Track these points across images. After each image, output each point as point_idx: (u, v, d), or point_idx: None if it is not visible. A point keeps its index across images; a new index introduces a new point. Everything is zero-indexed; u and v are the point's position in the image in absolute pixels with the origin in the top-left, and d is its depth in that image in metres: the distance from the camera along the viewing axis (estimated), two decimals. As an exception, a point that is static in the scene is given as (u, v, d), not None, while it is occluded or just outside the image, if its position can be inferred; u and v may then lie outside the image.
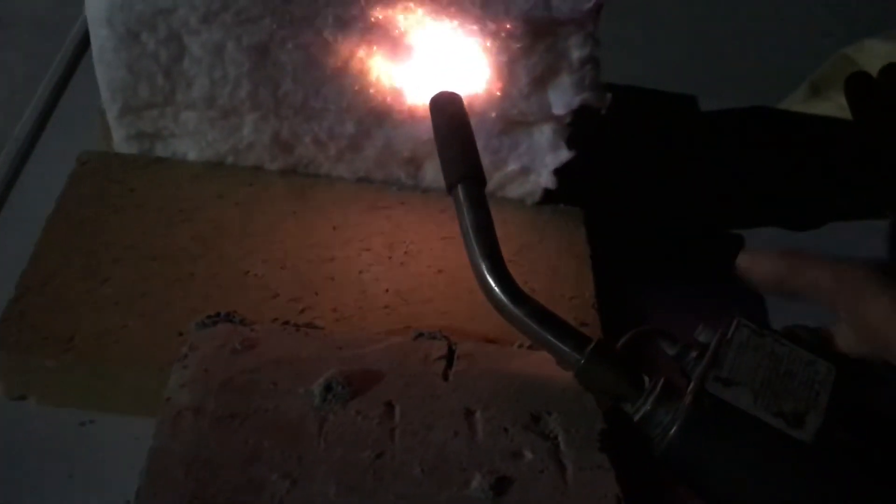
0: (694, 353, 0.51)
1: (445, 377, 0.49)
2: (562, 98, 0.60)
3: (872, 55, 1.16)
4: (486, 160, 0.62)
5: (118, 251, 0.58)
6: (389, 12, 0.56)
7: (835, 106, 1.16)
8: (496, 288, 0.50)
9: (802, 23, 1.08)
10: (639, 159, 0.78)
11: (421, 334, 0.52)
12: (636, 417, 0.48)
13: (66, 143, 0.70)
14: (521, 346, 0.53)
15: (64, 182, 0.63)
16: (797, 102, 1.19)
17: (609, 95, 0.60)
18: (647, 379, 0.48)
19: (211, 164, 0.65)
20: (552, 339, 0.49)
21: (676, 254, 0.71)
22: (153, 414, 0.51)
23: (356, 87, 0.60)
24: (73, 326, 0.53)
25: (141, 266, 0.58)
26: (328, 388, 0.46)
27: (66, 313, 0.54)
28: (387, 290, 0.59)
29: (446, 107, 0.57)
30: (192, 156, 0.65)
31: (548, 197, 0.66)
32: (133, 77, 0.59)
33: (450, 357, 0.50)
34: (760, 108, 0.91)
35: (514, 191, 0.66)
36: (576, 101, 0.60)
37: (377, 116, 0.62)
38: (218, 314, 0.51)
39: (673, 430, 0.46)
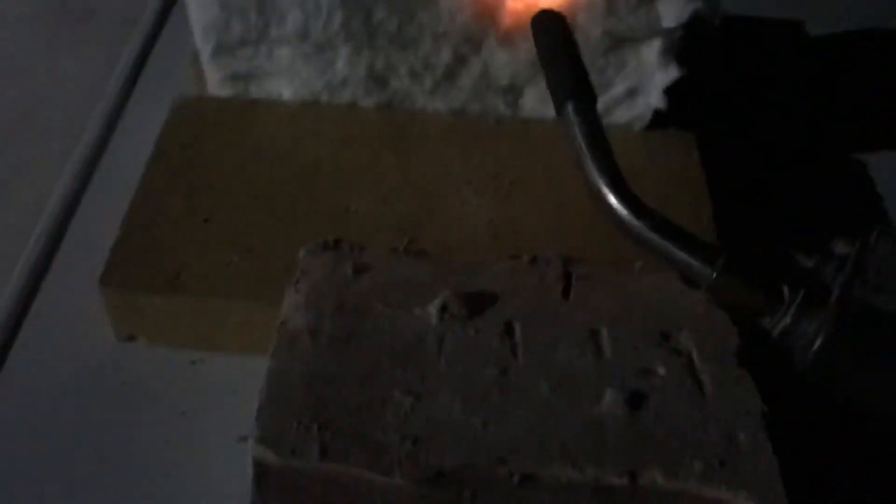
0: (834, 264, 0.47)
1: (566, 297, 0.46)
2: (672, 9, 0.56)
3: None
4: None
5: (218, 191, 0.57)
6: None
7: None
8: (616, 202, 0.47)
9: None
10: (751, 84, 0.73)
11: (535, 259, 0.50)
12: (776, 331, 0.44)
13: (161, 90, 0.69)
14: (640, 267, 0.50)
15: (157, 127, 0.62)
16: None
17: (721, 5, 0.56)
18: (785, 289, 0.45)
19: (306, 102, 0.63)
20: (680, 251, 0.46)
21: (793, 177, 0.67)
22: (261, 351, 0.51)
23: (451, 11, 0.58)
24: (178, 264, 0.53)
25: (242, 205, 0.57)
26: (444, 308, 0.44)
27: (171, 252, 0.53)
28: (491, 221, 0.57)
29: (549, 25, 0.54)
30: (286, 95, 0.63)
31: (657, 121, 0.62)
32: (226, 13, 0.58)
33: (567, 278, 0.48)
34: (872, 30, 0.86)
35: (622, 114, 0.62)
36: (687, 11, 0.56)
37: (474, 42, 0.60)
38: (327, 241, 0.49)
39: (819, 341, 0.42)
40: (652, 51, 0.58)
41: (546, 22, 0.54)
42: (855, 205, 0.65)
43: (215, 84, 0.63)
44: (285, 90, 0.63)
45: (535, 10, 0.56)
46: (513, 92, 0.62)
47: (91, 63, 0.75)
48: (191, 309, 0.52)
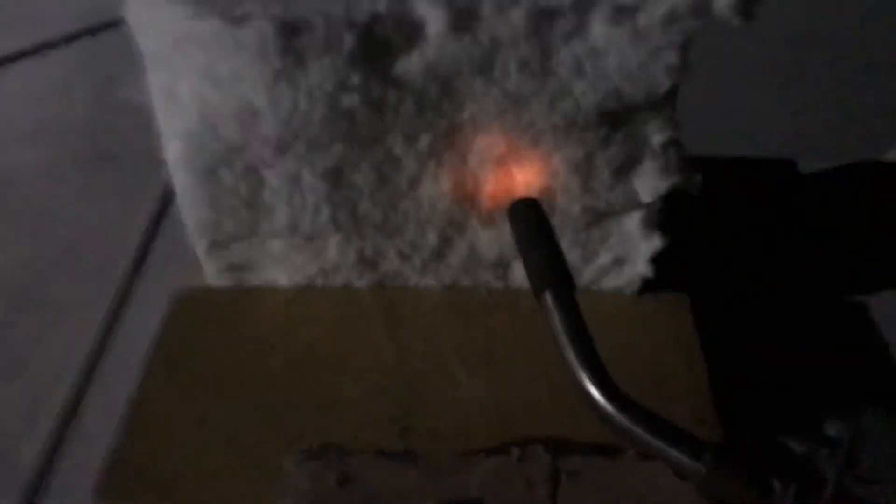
0: (826, 451, 0.46)
1: (553, 501, 0.46)
2: (648, 185, 0.57)
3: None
4: (575, 255, 0.60)
5: (215, 387, 0.58)
6: (456, 122, 0.55)
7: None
8: (599, 396, 0.47)
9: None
10: (742, 234, 0.74)
11: (522, 452, 0.49)
12: (770, 529, 0.43)
13: (163, 281, 0.71)
14: (633, 456, 0.49)
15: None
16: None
17: (699, 176, 0.57)
18: (776, 483, 0.43)
19: (301, 288, 0.65)
20: (665, 446, 0.45)
21: (793, 333, 0.66)
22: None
23: (432, 199, 0.59)
24: (176, 471, 0.53)
25: (237, 401, 0.57)
26: (429, 522, 0.43)
27: (168, 458, 0.54)
28: (484, 405, 0.57)
29: (525, 213, 0.55)
30: (282, 281, 0.65)
31: (649, 285, 0.63)
32: (216, 213, 0.60)
33: (555, 478, 0.47)
34: (866, 163, 0.86)
35: (610, 282, 0.63)
36: (663, 186, 0.57)
37: (458, 225, 0.61)
38: (312, 448, 0.49)
39: (814, 543, 0.41)
40: (633, 222, 0.59)
41: (522, 210, 0.55)
42: (859, 352, 0.64)
43: (213, 275, 0.65)
44: (280, 277, 0.65)
45: (513, 193, 0.57)
46: (501, 266, 0.63)
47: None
48: (185, 519, 0.52)
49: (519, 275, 0.64)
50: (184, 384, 0.58)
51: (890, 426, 0.45)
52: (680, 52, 0.50)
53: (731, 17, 0.49)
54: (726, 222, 0.74)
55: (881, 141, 0.87)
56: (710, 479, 0.44)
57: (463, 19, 0.50)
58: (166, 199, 0.78)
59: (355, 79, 0.52)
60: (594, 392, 0.47)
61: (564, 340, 0.49)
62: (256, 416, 0.56)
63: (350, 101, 0.53)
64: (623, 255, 0.61)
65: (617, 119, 0.54)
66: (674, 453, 0.45)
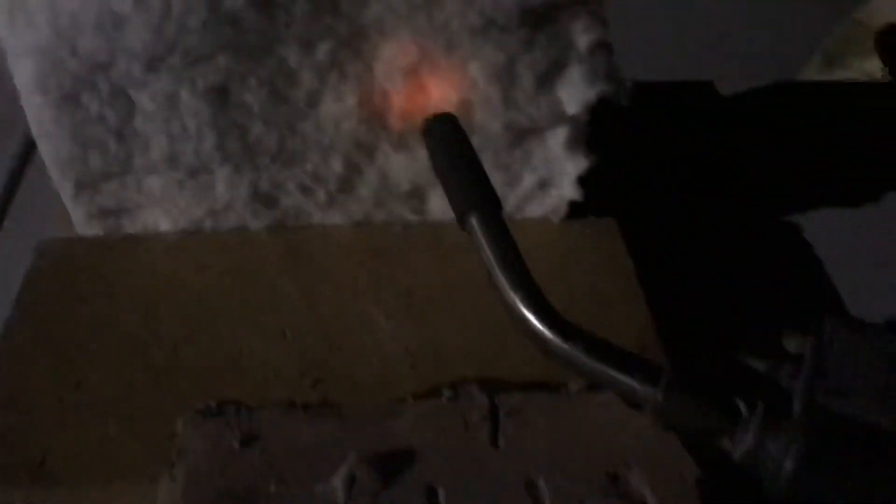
0: (789, 366, 0.41)
1: (494, 443, 0.40)
2: (574, 94, 0.52)
3: (883, 15, 1.09)
4: (497, 179, 0.54)
5: (91, 348, 0.50)
6: (359, 25, 0.48)
7: (855, 73, 1.08)
8: (538, 324, 0.41)
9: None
10: (665, 156, 0.69)
11: (455, 393, 0.43)
12: (737, 454, 0.38)
13: (27, 235, 0.62)
14: (578, 389, 0.44)
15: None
16: (812, 74, 1.11)
17: (629, 83, 0.52)
18: (741, 404, 0.39)
19: (187, 232, 0.57)
20: (617, 374, 0.40)
21: (724, 252, 0.63)
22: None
23: (336, 119, 0.52)
24: (42, 446, 0.45)
25: (119, 362, 0.49)
26: (352, 479, 0.37)
27: (35, 432, 0.45)
28: (407, 349, 0.50)
29: (441, 130, 0.49)
30: (164, 226, 0.57)
31: (575, 211, 0.57)
32: (80, 147, 0.51)
33: (494, 417, 0.41)
34: (781, 84, 0.83)
35: (535, 209, 0.57)
36: (591, 94, 0.52)
37: (366, 149, 0.54)
38: (209, 406, 0.42)
39: (788, 462, 0.37)
40: (557, 140, 0.54)
41: (437, 127, 0.49)
42: (797, 278, 0.61)
43: (82, 222, 0.56)
44: (162, 221, 0.56)
45: (427, 109, 0.50)
46: (417, 196, 0.57)
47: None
48: (59, 500, 0.44)
49: (437, 206, 0.57)
50: (54, 347, 0.50)
51: (853, 333, 0.41)
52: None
53: None
54: (652, 144, 0.69)
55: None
56: (667, 404, 0.39)
57: None
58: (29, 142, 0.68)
59: (237, -28, 0.44)
60: (534, 320, 0.41)
61: (497, 267, 0.43)
62: (142, 378, 0.48)
63: (233, 1, 0.45)
64: (548, 178, 0.56)
65: (540, 17, 0.48)
66: (626, 380, 0.40)
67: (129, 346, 0.50)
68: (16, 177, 0.68)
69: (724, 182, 0.69)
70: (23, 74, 0.49)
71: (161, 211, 0.56)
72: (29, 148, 0.69)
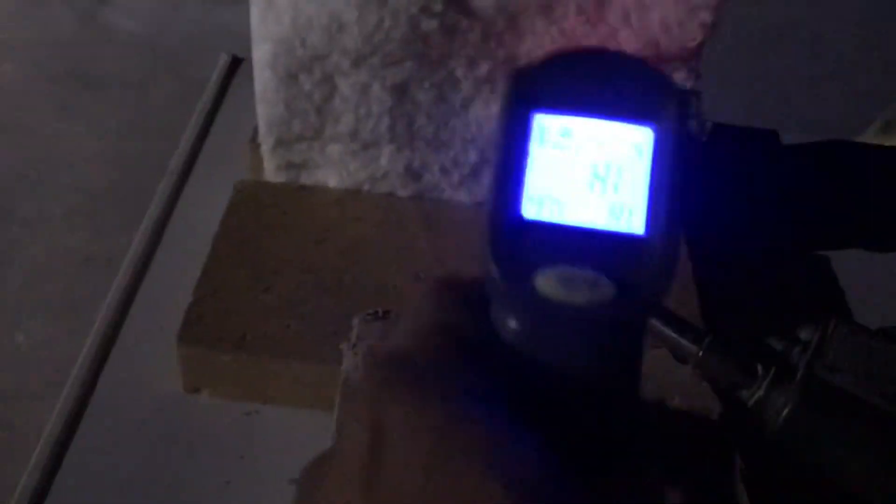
0: (799, 348, 0.56)
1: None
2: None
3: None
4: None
5: (276, 265, 0.67)
6: (514, 53, 0.64)
7: (908, 142, 1.21)
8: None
9: (870, 64, 1.14)
10: (724, 188, 0.84)
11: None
12: (751, 402, 0.53)
13: (217, 172, 0.79)
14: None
15: (219, 206, 0.71)
16: (870, 138, 1.24)
17: (709, 124, 0.67)
18: (759, 367, 0.54)
19: (349, 191, 0.73)
20: (671, 332, 0.55)
21: (767, 277, 0.77)
22: (309, 404, 0.60)
23: (479, 121, 0.68)
24: (243, 327, 0.62)
25: (296, 277, 0.66)
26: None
27: (237, 316, 0.62)
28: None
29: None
30: (332, 183, 0.73)
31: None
32: (289, 114, 0.68)
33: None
34: (840, 142, 0.97)
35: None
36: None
37: (498, 146, 0.70)
38: (377, 311, 0.58)
39: (786, 411, 0.52)
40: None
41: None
42: (820, 296, 0.76)
43: (271, 171, 0.73)
44: (332, 179, 0.73)
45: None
46: (529, 188, 0.72)
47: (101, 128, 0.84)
48: (254, 367, 0.61)
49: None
50: (249, 260, 0.67)
51: (853, 331, 0.56)
52: (713, 12, 0.60)
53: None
54: (713, 175, 0.84)
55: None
56: (706, 360, 0.54)
57: (537, -36, 0.59)
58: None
59: (438, 6, 0.60)
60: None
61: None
62: (313, 291, 0.65)
63: (428, 24, 0.62)
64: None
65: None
66: (678, 337, 0.55)
67: (305, 269, 0.66)
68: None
69: (772, 216, 0.83)
70: (261, 54, 0.66)
71: (334, 171, 0.72)
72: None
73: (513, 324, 0.30)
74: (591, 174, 0.30)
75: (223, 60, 0.92)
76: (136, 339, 0.66)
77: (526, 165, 0.31)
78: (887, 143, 1.21)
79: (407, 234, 0.71)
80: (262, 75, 0.67)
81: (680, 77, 0.65)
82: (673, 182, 0.29)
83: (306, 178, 0.74)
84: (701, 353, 0.54)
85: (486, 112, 0.68)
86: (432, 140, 0.70)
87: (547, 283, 0.28)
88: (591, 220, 0.29)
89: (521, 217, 0.30)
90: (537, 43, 0.63)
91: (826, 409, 0.52)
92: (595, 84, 0.30)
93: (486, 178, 0.74)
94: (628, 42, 0.62)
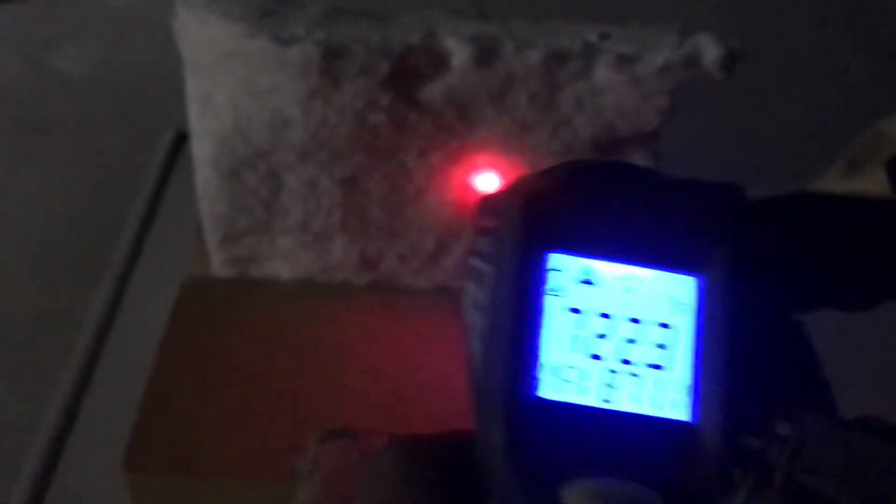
0: (776, 447, 0.54)
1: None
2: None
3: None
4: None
5: (225, 373, 0.63)
6: (466, 143, 0.62)
7: (873, 181, 1.20)
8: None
9: (833, 98, 1.14)
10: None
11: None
12: (729, 512, 0.51)
13: (160, 267, 0.76)
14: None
15: (165, 302, 0.68)
16: (834, 179, 1.23)
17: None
18: (738, 474, 0.51)
19: (303, 282, 0.70)
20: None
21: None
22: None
23: (435, 207, 0.66)
24: (192, 447, 0.58)
25: (247, 385, 0.62)
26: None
27: (185, 436, 0.59)
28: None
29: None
30: (284, 276, 0.70)
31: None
32: (234, 210, 0.65)
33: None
34: (801, 194, 0.95)
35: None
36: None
37: (454, 231, 0.67)
38: (333, 430, 0.55)
39: (766, 522, 0.49)
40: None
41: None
42: (796, 365, 0.73)
43: (218, 265, 0.70)
44: (284, 272, 0.70)
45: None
46: (489, 272, 0.70)
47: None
48: (204, 489, 0.57)
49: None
50: (197, 370, 0.63)
51: (829, 428, 0.53)
52: (669, 97, 0.58)
53: (715, 71, 0.56)
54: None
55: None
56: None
57: (485, 55, 0.56)
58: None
59: (384, 100, 0.58)
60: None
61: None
62: (269, 400, 0.61)
63: (376, 118, 0.59)
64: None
65: (608, 148, 0.61)
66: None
67: (257, 374, 0.63)
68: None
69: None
70: (201, 151, 0.62)
71: (285, 263, 0.69)
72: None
73: None
74: (619, 336, 0.23)
75: (167, 138, 0.89)
76: (80, 460, 0.62)
77: (541, 328, 0.24)
78: (852, 186, 1.20)
79: (364, 327, 0.67)
80: (204, 172, 0.63)
81: (638, 159, 0.62)
82: (725, 349, 0.23)
83: (256, 272, 0.70)
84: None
85: (441, 199, 0.65)
86: (387, 229, 0.67)
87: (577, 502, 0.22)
88: (622, 402, 0.23)
89: (536, 397, 0.23)
90: (490, 132, 0.61)
91: (807, 517, 0.50)
92: (623, 219, 0.24)
93: (446, 262, 0.72)
94: (584, 128, 0.60)
